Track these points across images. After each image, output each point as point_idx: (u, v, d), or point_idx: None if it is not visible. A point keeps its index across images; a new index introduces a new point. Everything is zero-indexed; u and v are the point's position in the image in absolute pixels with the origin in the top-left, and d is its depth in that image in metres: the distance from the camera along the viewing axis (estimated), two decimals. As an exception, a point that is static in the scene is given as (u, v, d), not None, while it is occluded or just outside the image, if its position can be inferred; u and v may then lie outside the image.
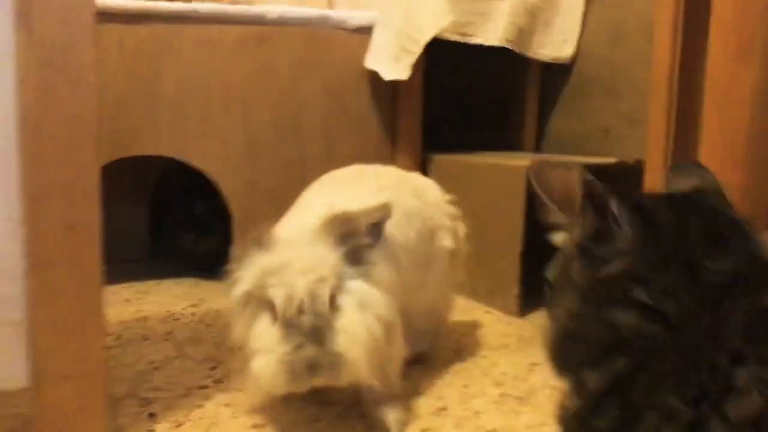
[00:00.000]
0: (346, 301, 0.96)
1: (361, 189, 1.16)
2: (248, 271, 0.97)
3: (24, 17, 0.88)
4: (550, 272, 0.62)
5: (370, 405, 1.09)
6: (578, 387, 0.56)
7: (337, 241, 0.98)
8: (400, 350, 1.07)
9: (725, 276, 0.51)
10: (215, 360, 1.33)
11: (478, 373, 1.31)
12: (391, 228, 1.06)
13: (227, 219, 1.85)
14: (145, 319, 1.60)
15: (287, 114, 1.89)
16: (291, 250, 0.97)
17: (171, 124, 1.79)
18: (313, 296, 0.92)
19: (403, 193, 1.22)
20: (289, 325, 0.92)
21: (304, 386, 0.94)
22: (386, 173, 1.31)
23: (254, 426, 1.07)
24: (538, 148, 2.16)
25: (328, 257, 0.97)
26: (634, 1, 1.83)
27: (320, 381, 0.94)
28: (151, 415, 1.09)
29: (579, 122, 2.00)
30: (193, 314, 1.64)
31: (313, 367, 0.91)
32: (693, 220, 0.55)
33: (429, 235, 1.24)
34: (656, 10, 1.29)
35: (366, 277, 0.99)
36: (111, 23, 1.70)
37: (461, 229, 1.34)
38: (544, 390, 1.21)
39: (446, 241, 1.28)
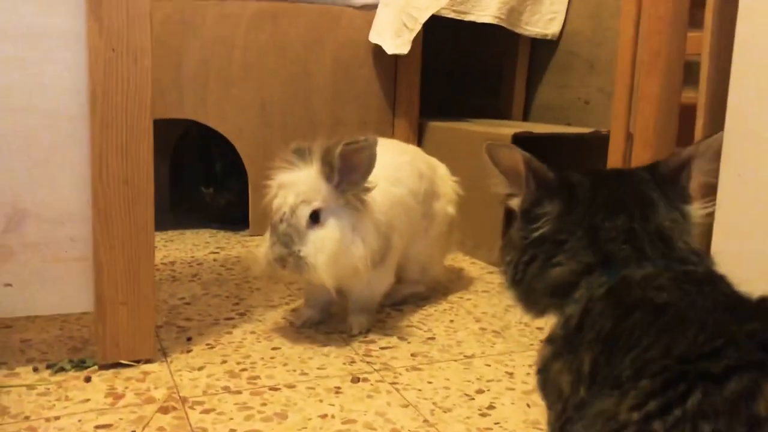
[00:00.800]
0: (330, 222, 1.22)
1: (387, 149, 1.38)
2: (273, 182, 1.27)
3: (94, 8, 1.08)
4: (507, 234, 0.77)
5: (348, 311, 1.41)
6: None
7: (331, 176, 1.24)
8: (389, 278, 1.41)
9: (617, 232, 0.67)
10: (238, 297, 1.56)
11: (462, 311, 1.53)
12: (407, 181, 1.41)
13: (242, 176, 2.06)
14: (172, 263, 1.82)
15: (298, 82, 2.08)
16: (298, 174, 1.25)
17: (194, 90, 1.99)
18: (293, 212, 1.21)
19: (418, 159, 1.53)
20: (273, 229, 1.23)
21: (276, 273, 1.26)
22: (407, 146, 1.64)
23: (273, 348, 1.29)
24: (525, 117, 2.36)
25: (322, 187, 1.23)
26: (614, -16, 2.00)
27: (288, 273, 1.25)
28: (188, 339, 1.31)
29: (562, 94, 2.20)
30: (214, 260, 1.86)
31: (281, 261, 1.21)
32: (604, 193, 0.69)
33: (434, 196, 1.54)
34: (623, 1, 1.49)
35: (356, 209, 1.25)
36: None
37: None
38: (517, 326, 1.44)
39: (450, 208, 1.57)
